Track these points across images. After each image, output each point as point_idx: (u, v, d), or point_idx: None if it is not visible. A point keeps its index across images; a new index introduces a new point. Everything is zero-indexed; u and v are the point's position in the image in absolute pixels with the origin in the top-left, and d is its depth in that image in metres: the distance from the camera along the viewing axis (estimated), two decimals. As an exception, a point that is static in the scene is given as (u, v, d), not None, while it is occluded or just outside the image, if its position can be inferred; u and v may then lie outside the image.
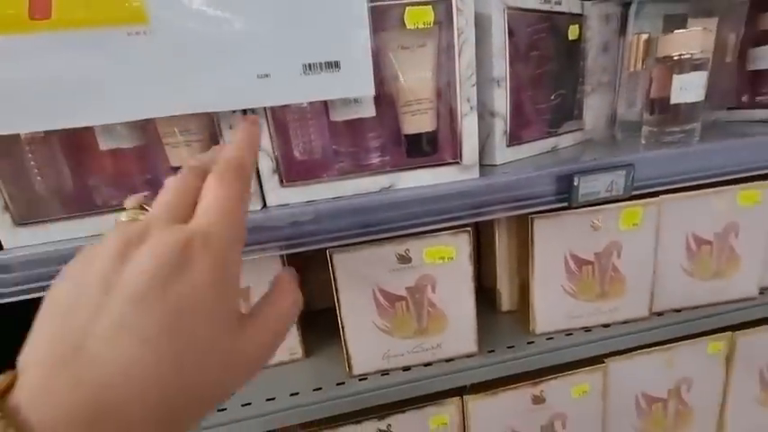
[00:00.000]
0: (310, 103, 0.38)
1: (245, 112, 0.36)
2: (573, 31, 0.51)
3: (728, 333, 0.57)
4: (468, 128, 0.40)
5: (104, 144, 0.36)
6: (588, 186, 0.42)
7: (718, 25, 0.53)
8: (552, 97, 0.54)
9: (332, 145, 0.41)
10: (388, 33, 0.38)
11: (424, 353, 0.48)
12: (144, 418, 0.16)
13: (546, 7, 0.46)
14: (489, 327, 0.55)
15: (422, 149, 0.41)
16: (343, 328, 0.46)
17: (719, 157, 0.47)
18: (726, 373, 0.60)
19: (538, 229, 0.47)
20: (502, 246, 0.56)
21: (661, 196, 0.49)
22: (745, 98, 0.60)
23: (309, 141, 0.39)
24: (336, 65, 0.33)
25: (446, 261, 0.45)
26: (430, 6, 0.36)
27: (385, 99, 0.41)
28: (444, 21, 0.38)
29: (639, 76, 0.52)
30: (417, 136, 0.41)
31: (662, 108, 0.48)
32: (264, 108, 0.35)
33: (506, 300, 0.59)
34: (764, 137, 0.48)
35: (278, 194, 0.39)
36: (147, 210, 0.22)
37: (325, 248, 0.42)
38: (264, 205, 0.39)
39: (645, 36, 0.51)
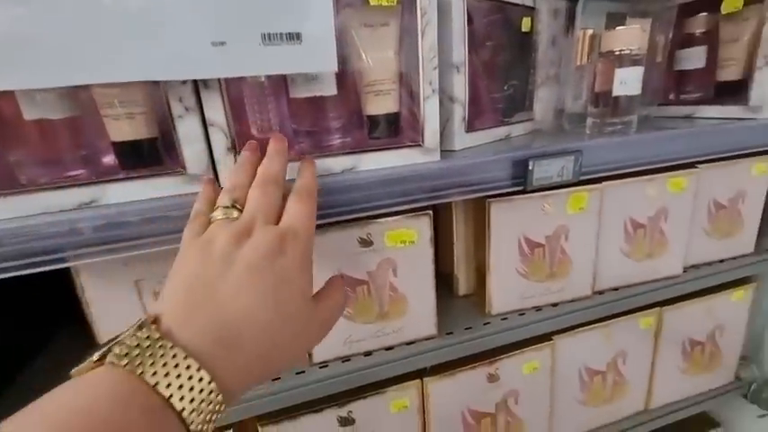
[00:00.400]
0: (269, 77, 0.36)
1: (195, 82, 0.33)
2: (526, 23, 0.53)
3: (657, 309, 0.63)
4: (430, 111, 0.40)
5: (29, 113, 0.32)
6: (542, 171, 0.44)
7: (651, 26, 0.57)
8: (505, 87, 0.55)
9: (291, 124, 0.40)
10: (351, 10, 0.37)
11: (385, 337, 0.48)
12: (254, 352, 0.24)
13: (501, -3, 0.48)
14: (447, 310, 0.56)
15: (384, 131, 0.41)
16: (302, 315, 0.45)
17: (652, 147, 0.51)
18: (654, 345, 0.66)
19: (494, 212, 0.49)
20: (459, 231, 0.57)
21: (603, 182, 0.52)
22: (671, 96, 0.66)
23: (267, 119, 0.37)
24: (297, 36, 0.32)
25: (407, 244, 0.45)
26: (393, -17, 0.36)
27: (347, 78, 0.40)
28: (407, 1, 0.38)
29: (585, 70, 0.56)
30: (380, 117, 0.40)
31: (605, 101, 0.51)
32: (219, 80, 0.33)
33: (463, 284, 0.60)
34: (689, 130, 0.53)
35: (233, 174, 0.36)
36: (237, 207, 0.28)
37: (285, 232, 0.40)
38: (218, 186, 0.36)
39: (590, 31, 0.54)
